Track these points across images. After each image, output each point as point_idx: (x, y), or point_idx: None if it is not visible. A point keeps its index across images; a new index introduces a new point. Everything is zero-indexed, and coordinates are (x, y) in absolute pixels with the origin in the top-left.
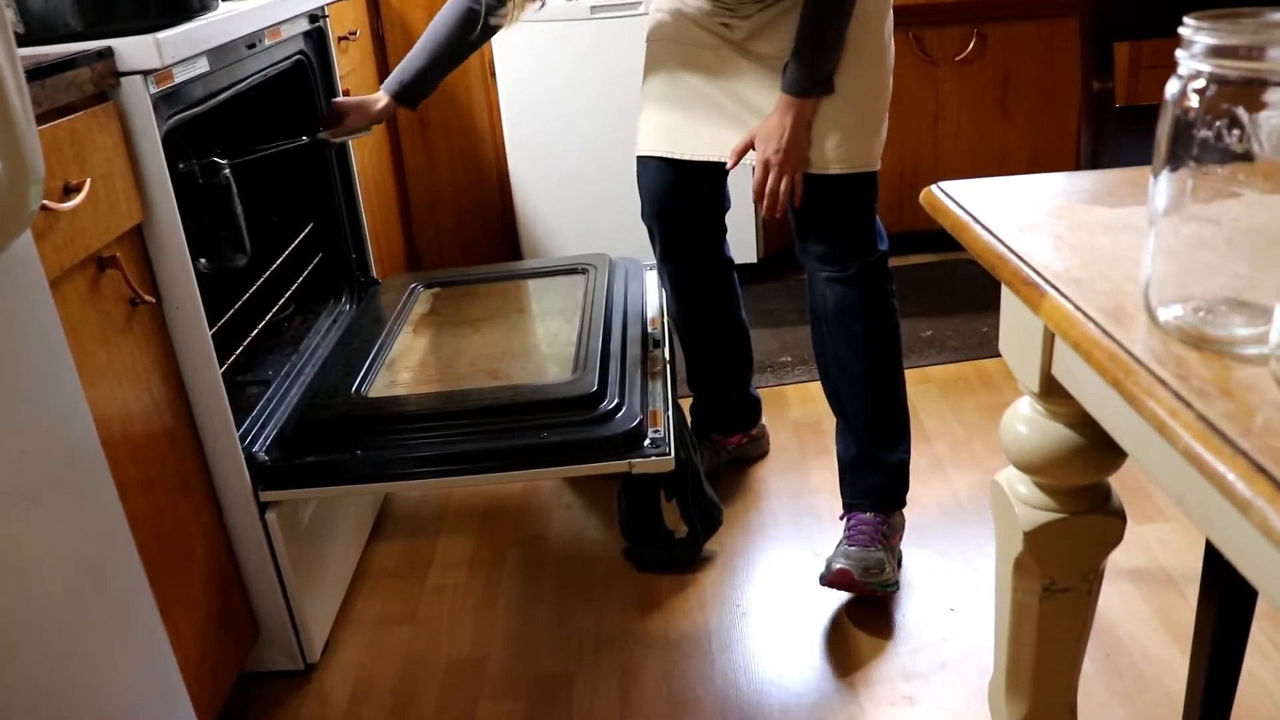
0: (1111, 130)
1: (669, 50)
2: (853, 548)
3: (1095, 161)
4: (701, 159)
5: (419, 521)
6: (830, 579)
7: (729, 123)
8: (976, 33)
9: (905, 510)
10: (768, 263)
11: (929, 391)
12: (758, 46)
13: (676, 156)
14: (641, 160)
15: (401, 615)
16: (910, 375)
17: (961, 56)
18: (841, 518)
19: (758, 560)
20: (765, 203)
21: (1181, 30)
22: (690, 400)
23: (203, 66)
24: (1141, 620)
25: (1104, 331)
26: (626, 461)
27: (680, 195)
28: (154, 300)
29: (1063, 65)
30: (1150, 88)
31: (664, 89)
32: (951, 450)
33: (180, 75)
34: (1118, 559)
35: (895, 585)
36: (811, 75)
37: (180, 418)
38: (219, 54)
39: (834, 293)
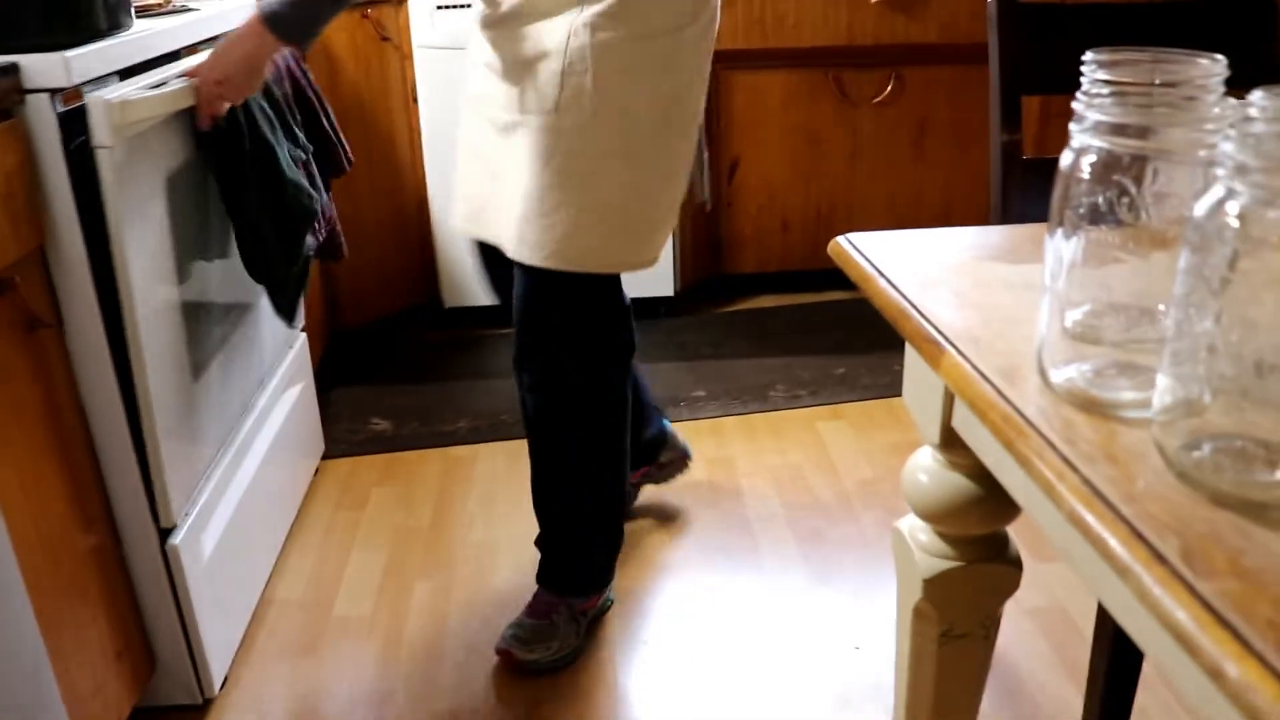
0: (1019, 182)
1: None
2: (527, 619)
3: (1004, 212)
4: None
5: (327, 549)
6: (497, 651)
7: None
8: (894, 76)
9: (811, 546)
10: (683, 295)
11: (840, 429)
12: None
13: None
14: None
15: (305, 647)
16: (821, 412)
17: (879, 99)
18: None
19: (661, 593)
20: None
21: (1074, 105)
22: None
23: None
24: (1040, 658)
25: (999, 392)
26: None
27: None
28: (54, 324)
29: (977, 110)
30: (1058, 137)
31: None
32: (859, 488)
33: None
34: (1019, 598)
35: (565, 658)
36: None
37: (79, 444)
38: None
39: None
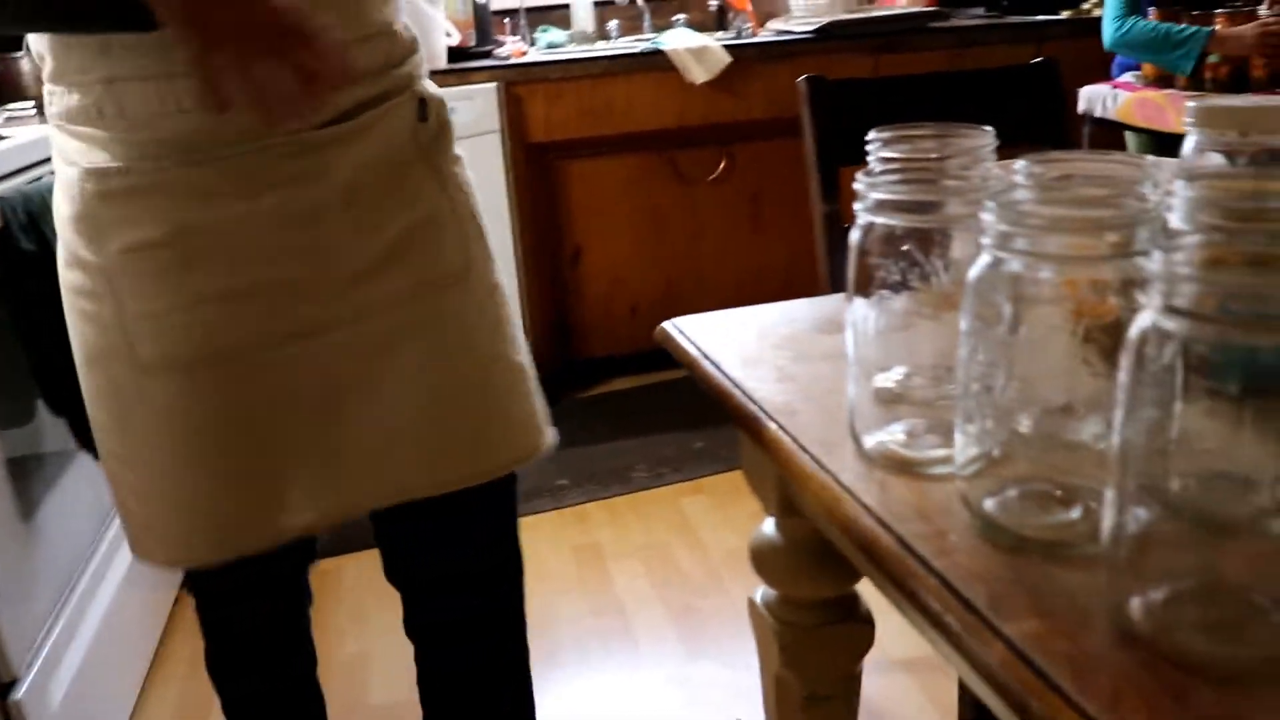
0: (842, 250)
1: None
2: None
3: (832, 281)
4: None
5: (192, 681)
6: None
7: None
8: (725, 153)
9: (684, 621)
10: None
11: (702, 503)
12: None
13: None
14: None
15: None
16: (684, 488)
17: (713, 176)
18: None
19: (541, 682)
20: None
21: (855, 185)
22: None
23: None
24: (916, 707)
25: (816, 462)
26: None
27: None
28: None
29: (807, 181)
30: None
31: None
32: (726, 559)
33: None
34: (889, 650)
35: None
36: None
37: None
38: None
39: None
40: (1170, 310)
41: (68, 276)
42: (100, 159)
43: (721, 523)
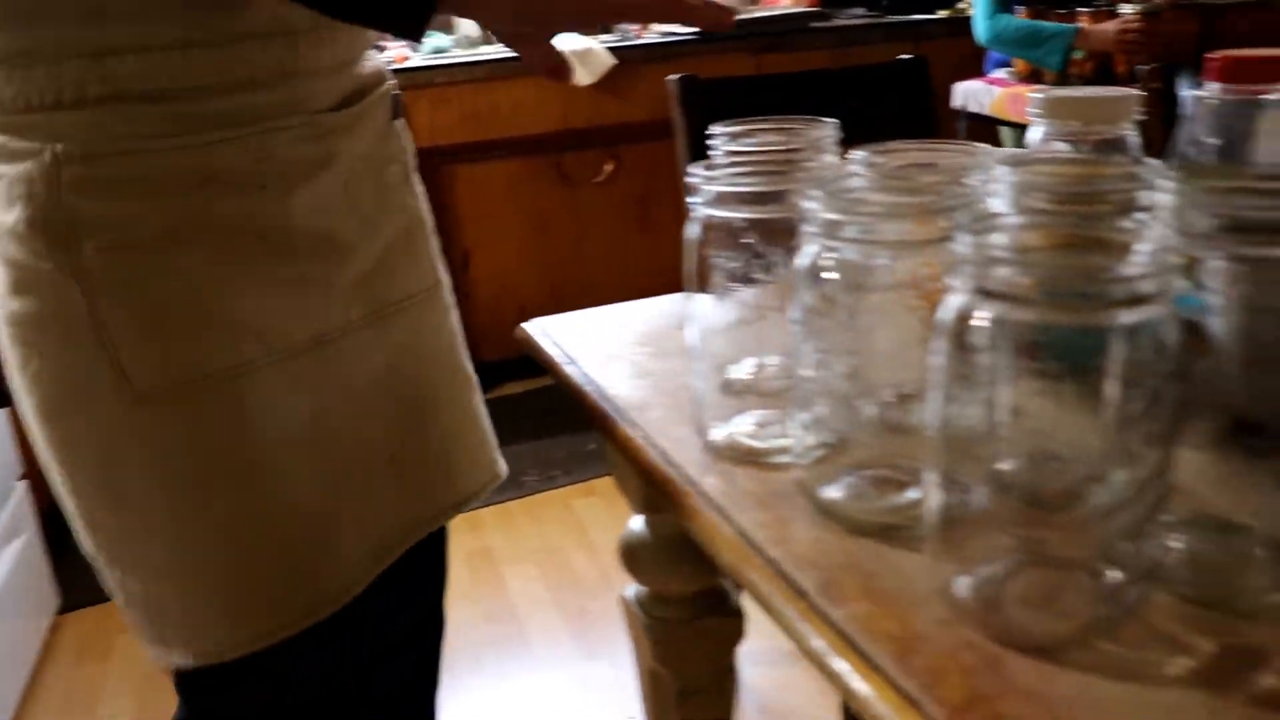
0: None
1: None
2: None
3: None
4: None
5: (68, 713)
6: None
7: None
8: (612, 155)
9: (579, 623)
10: None
11: (594, 504)
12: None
13: None
14: None
15: None
16: (576, 490)
17: (600, 179)
18: None
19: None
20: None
21: (689, 179)
22: None
23: None
24: (807, 699)
25: (664, 457)
26: None
27: None
28: None
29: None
30: None
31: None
32: (617, 560)
33: None
34: (780, 642)
35: None
36: None
37: None
38: None
39: None
40: (981, 292)
41: (11, 308)
42: (86, 139)
43: (613, 523)
